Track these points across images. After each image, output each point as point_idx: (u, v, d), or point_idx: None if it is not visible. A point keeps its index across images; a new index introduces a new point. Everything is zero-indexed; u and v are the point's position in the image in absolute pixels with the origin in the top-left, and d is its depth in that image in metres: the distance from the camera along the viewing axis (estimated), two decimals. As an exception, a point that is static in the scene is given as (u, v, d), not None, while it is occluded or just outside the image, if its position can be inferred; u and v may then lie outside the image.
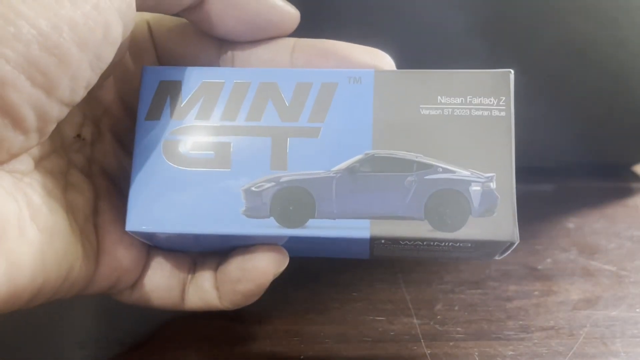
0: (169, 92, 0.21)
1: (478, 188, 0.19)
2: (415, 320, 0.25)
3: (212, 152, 0.20)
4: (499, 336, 0.24)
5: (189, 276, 0.23)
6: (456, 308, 0.25)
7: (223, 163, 0.20)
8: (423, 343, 0.24)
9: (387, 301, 0.26)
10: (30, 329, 0.24)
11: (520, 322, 0.25)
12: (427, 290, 0.27)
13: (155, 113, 0.21)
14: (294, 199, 0.20)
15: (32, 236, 0.18)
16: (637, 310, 0.25)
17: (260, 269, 0.21)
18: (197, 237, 0.20)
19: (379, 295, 0.26)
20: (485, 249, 0.20)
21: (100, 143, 0.22)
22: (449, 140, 0.19)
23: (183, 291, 0.23)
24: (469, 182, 0.19)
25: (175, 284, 0.23)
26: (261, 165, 0.20)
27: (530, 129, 0.33)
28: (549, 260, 0.29)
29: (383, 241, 0.20)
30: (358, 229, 0.19)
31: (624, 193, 0.34)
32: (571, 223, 0.31)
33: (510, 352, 0.23)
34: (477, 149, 0.19)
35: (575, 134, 0.33)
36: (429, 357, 0.23)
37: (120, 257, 0.21)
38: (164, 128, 0.20)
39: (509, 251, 0.20)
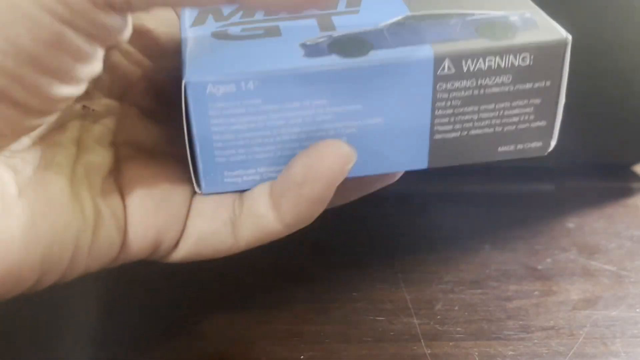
0: (211, 11, 0.22)
1: (516, 17, 0.20)
2: (415, 320, 0.25)
3: (261, 30, 0.21)
4: (499, 336, 0.24)
5: (237, 211, 0.21)
6: (456, 308, 0.25)
7: (274, 34, 0.20)
8: (423, 343, 0.24)
9: (387, 301, 0.26)
10: (30, 328, 0.24)
11: (520, 322, 0.25)
12: (427, 290, 0.27)
13: (199, 21, 0.21)
14: (351, 42, 0.20)
15: (20, 211, 0.17)
16: (637, 310, 0.25)
17: (328, 164, 0.19)
18: (266, 94, 0.19)
19: (379, 295, 0.26)
20: (543, 61, 0.20)
21: (121, 115, 0.22)
22: (475, 3, 0.21)
23: (233, 230, 0.21)
24: (506, 16, 0.21)
25: (221, 226, 0.21)
26: (311, 31, 0.20)
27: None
28: (549, 260, 0.29)
29: (446, 68, 0.19)
30: (420, 50, 0.19)
31: (624, 193, 0.34)
32: (571, 223, 0.31)
33: (510, 352, 0.23)
34: (501, 5, 0.21)
35: (575, 134, 0.33)
36: (429, 357, 0.23)
37: (152, 212, 0.20)
38: (210, 26, 0.21)
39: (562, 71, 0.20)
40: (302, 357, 0.23)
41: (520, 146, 0.21)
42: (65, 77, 0.17)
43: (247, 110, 0.19)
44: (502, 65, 0.20)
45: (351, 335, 0.24)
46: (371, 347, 0.23)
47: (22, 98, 0.16)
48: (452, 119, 0.20)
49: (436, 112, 0.20)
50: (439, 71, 0.19)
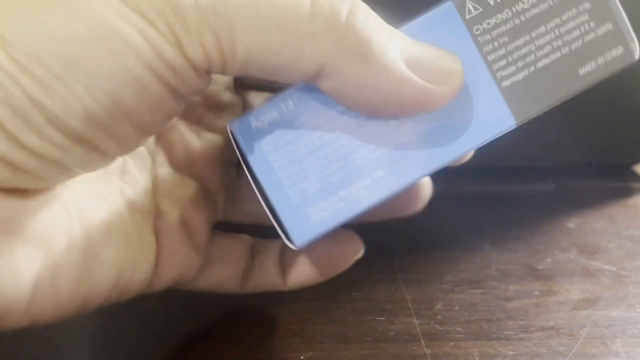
0: None
1: None
2: (415, 320, 0.25)
3: None
4: (499, 336, 0.24)
5: (248, 263, 0.23)
6: (456, 308, 0.25)
7: None
8: (423, 343, 0.24)
9: (387, 301, 0.26)
10: (29, 329, 0.24)
11: (521, 322, 0.25)
12: (427, 290, 0.26)
13: None
14: None
15: (80, 250, 0.18)
16: (637, 310, 0.25)
17: (346, 255, 0.24)
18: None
19: (379, 295, 0.26)
20: None
21: (163, 136, 0.22)
22: None
23: (244, 277, 0.23)
24: None
25: (235, 275, 0.23)
26: None
27: (530, 128, 0.33)
28: (549, 260, 0.29)
29: (472, 9, 0.19)
30: (439, 5, 0.19)
31: (624, 193, 0.34)
32: (571, 223, 0.31)
33: (511, 352, 0.23)
34: None
35: (575, 134, 0.33)
36: (429, 357, 0.23)
37: (180, 255, 0.21)
38: None
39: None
40: (302, 357, 0.23)
41: (601, 60, 0.19)
42: (153, 130, 0.17)
43: (299, 132, 0.19)
44: None
45: (351, 335, 0.24)
46: (371, 347, 0.23)
47: (105, 146, 0.16)
48: (509, 58, 0.19)
49: (488, 58, 0.19)
50: (466, 15, 0.19)
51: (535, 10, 0.19)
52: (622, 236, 0.30)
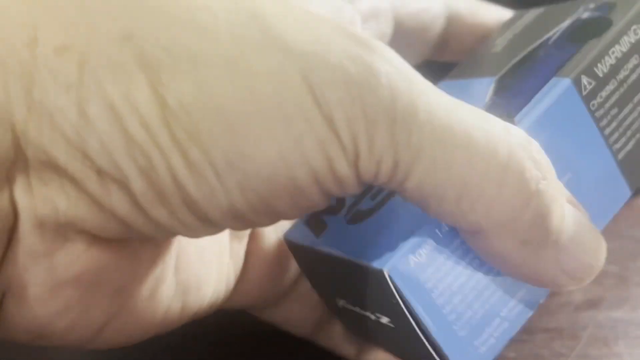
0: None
1: (588, 12, 0.20)
2: (416, 322, 0.25)
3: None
4: (501, 338, 0.24)
5: (326, 315, 0.22)
6: (458, 309, 0.25)
7: None
8: (424, 345, 0.23)
9: (388, 302, 0.26)
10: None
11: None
12: (429, 291, 0.26)
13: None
14: None
15: (167, 294, 0.17)
16: (641, 311, 0.25)
17: None
18: None
19: (379, 297, 0.26)
20: None
21: None
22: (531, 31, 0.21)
23: (317, 326, 0.22)
24: (579, 17, 0.20)
25: (306, 318, 0.22)
26: None
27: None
28: (551, 260, 0.28)
29: (587, 85, 0.18)
30: (553, 85, 0.18)
31: (627, 193, 0.34)
32: (573, 223, 0.31)
33: (512, 354, 0.23)
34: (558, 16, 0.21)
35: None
36: None
37: (263, 283, 0.20)
38: (339, 219, 0.20)
39: None
40: (302, 358, 0.23)
41: None
42: (288, 220, 0.16)
43: (454, 259, 0.16)
44: (624, 49, 0.18)
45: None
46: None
47: (232, 228, 0.15)
48: (620, 130, 0.19)
49: (605, 132, 0.19)
50: (583, 92, 0.18)
51: (634, 76, 0.19)
52: (625, 236, 0.30)
